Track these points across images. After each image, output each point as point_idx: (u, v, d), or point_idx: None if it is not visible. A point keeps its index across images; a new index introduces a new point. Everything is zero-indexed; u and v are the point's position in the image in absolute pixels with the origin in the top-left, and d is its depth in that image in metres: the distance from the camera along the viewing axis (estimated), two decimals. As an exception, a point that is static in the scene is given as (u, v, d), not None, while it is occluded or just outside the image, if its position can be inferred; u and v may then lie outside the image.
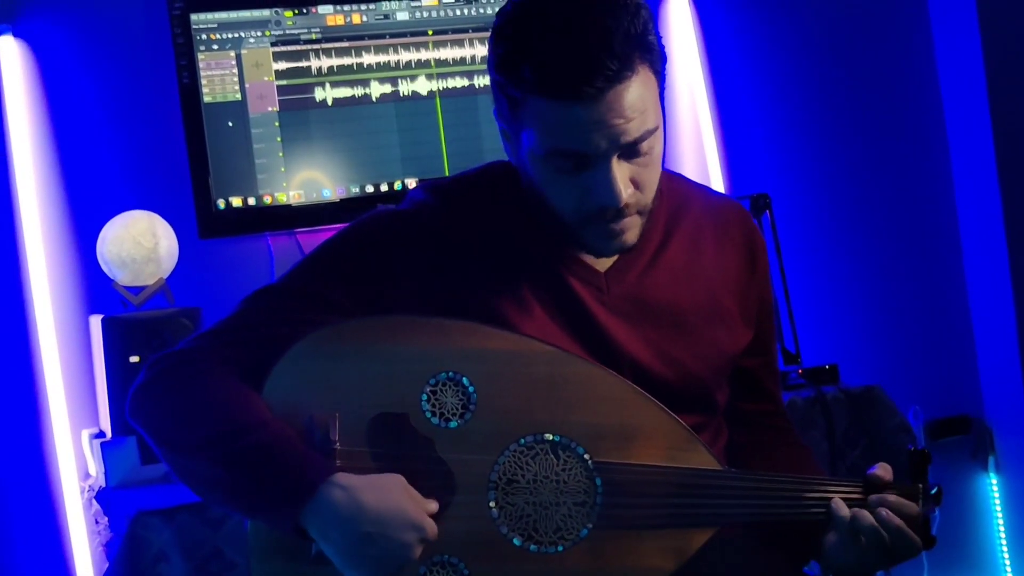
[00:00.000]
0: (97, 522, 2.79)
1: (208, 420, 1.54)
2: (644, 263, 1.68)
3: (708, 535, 1.59)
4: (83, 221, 3.04)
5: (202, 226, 3.03)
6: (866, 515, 1.56)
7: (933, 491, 1.62)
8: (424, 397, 1.56)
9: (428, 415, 1.56)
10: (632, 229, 1.58)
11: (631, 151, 1.51)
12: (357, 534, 1.48)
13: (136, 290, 2.85)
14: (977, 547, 3.70)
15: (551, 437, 1.57)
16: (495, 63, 1.53)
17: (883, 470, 1.61)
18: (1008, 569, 3.67)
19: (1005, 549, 3.68)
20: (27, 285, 2.98)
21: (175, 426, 1.57)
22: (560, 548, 1.57)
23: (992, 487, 3.69)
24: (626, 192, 1.52)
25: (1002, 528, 3.68)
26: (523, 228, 1.64)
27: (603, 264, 1.66)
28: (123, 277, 2.86)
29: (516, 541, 1.56)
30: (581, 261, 1.65)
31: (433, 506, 1.53)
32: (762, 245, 1.79)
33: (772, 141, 3.56)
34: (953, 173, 3.70)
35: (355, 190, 3.10)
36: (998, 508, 3.68)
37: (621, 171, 1.51)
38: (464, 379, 1.57)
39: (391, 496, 1.50)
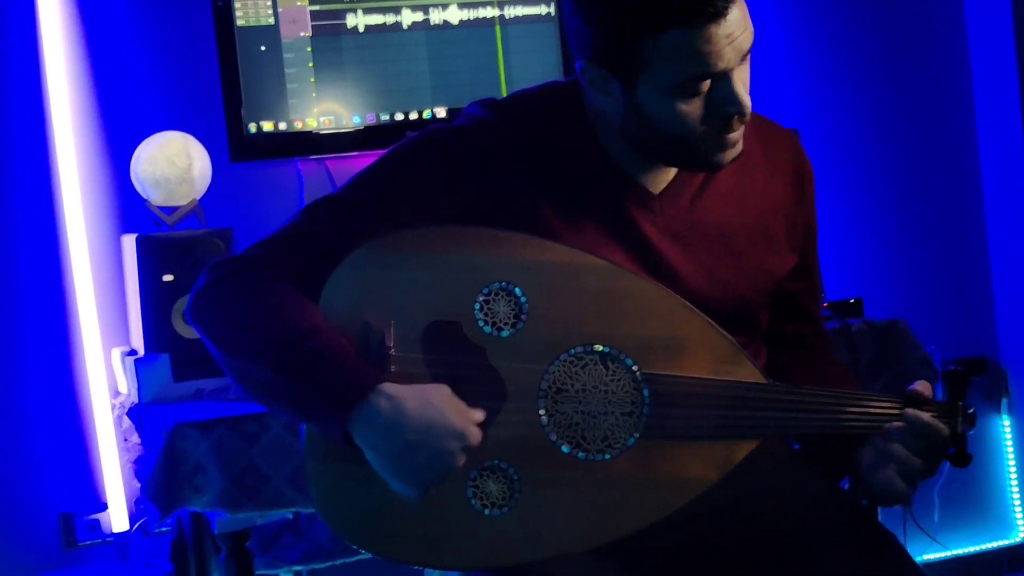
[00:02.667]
0: (126, 439, 2.83)
1: (264, 326, 1.58)
2: (696, 187, 1.71)
3: (751, 447, 1.63)
4: (117, 141, 3.05)
5: (233, 149, 3.04)
6: (914, 420, 1.60)
7: (970, 411, 1.66)
8: (477, 306, 1.59)
9: (481, 324, 1.59)
10: (742, 138, 1.61)
11: (742, 60, 1.56)
12: (401, 442, 1.52)
13: (169, 210, 2.87)
14: (988, 488, 3.74)
15: (600, 348, 1.60)
16: (607, 13, 1.54)
17: (922, 387, 1.64)
18: (1018, 509, 3.73)
19: (1016, 490, 3.73)
20: (60, 204, 3.00)
21: (232, 330, 1.60)
22: (607, 456, 1.60)
23: (1005, 429, 3.73)
24: (748, 98, 1.56)
25: (1013, 469, 3.73)
26: (580, 148, 1.67)
27: (657, 187, 1.69)
28: (157, 197, 2.88)
29: (564, 448, 1.60)
30: (636, 184, 1.68)
31: (478, 415, 1.56)
32: (810, 172, 1.81)
33: (798, 77, 3.57)
34: (976, 111, 3.70)
35: (384, 117, 3.11)
36: (1010, 450, 3.73)
37: (741, 79, 1.56)
38: (517, 289, 1.60)
39: (435, 405, 1.53)
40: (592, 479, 1.60)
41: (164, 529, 2.97)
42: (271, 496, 2.41)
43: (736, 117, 1.57)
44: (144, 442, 2.67)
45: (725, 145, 1.61)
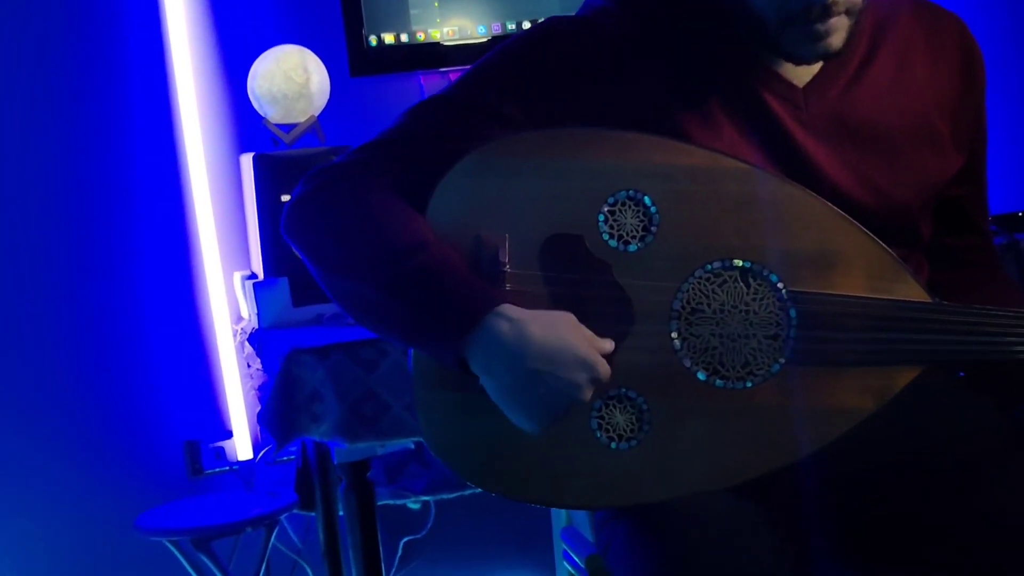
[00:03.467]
0: (249, 365, 2.75)
1: (366, 240, 1.43)
2: (847, 78, 1.51)
3: (913, 374, 1.44)
4: (233, 58, 2.96)
5: (353, 63, 2.93)
6: None
7: None
8: (602, 217, 1.43)
9: (606, 237, 1.43)
10: (839, 32, 1.41)
11: None
12: (523, 370, 1.36)
13: (287, 128, 2.77)
14: None
15: (741, 263, 1.43)
16: None
17: None
18: None
19: None
20: (178, 124, 2.92)
21: (331, 244, 1.46)
22: (748, 384, 1.43)
23: None
24: None
25: None
26: (713, 36, 1.48)
27: (802, 79, 1.49)
28: (274, 114, 2.78)
29: (700, 375, 1.43)
30: (777, 75, 1.49)
31: (608, 345, 1.40)
32: (981, 60, 1.59)
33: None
34: None
35: (511, 27, 2.95)
36: None
37: None
38: (646, 198, 1.43)
39: (561, 331, 1.38)
40: (731, 409, 1.43)
41: (289, 457, 2.90)
42: (391, 425, 2.29)
43: (816, 7, 1.38)
44: (265, 368, 2.58)
45: (814, 35, 1.41)
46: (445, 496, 2.97)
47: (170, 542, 2.71)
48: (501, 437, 1.43)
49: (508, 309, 1.38)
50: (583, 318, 1.41)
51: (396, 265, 1.40)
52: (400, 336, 1.44)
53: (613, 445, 1.43)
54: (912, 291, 1.44)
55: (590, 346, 1.38)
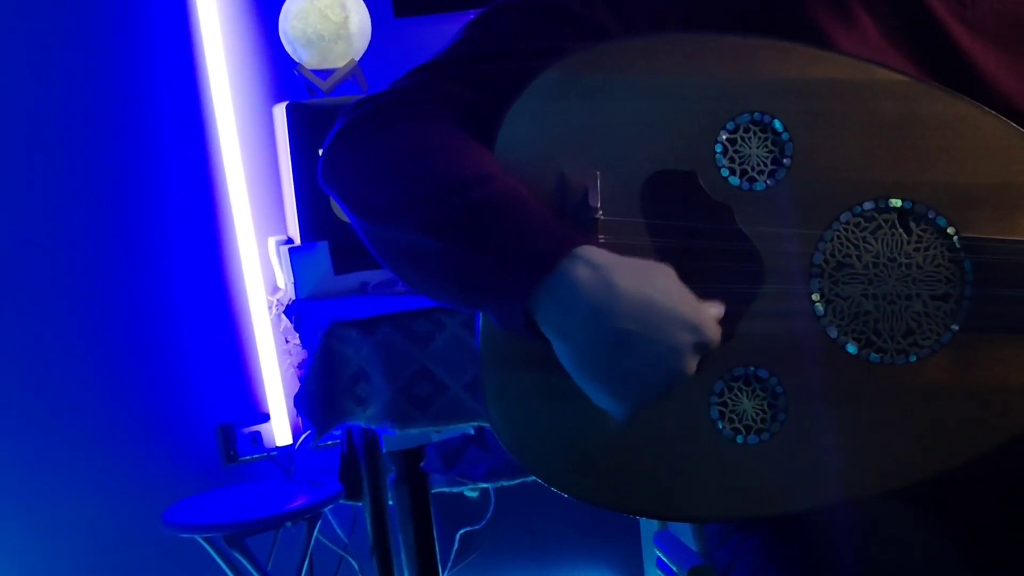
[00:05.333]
0: (287, 340, 2.48)
1: (414, 173, 1.13)
2: (1023, -35, 1.19)
3: None
4: (263, -2, 2.67)
5: (397, 2, 2.68)
6: None
7: None
8: (720, 148, 1.12)
9: (725, 173, 1.12)
10: None
11: None
12: (606, 331, 1.05)
13: (324, 74, 2.51)
14: None
15: (899, 203, 1.11)
16: None
17: None
18: None
19: None
20: (204, 73, 2.65)
21: (372, 184, 1.16)
22: (913, 358, 1.12)
23: None
24: None
25: None
26: None
27: None
28: (309, 58, 2.50)
29: (851, 348, 1.12)
30: None
31: (717, 308, 1.09)
32: None
33: None
34: None
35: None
36: None
37: None
38: (776, 122, 1.12)
39: (658, 283, 1.06)
40: (891, 391, 1.12)
41: (332, 442, 2.62)
42: (448, 408, 2.00)
43: None
44: (303, 344, 2.30)
45: None
46: (506, 483, 2.68)
47: (202, 538, 2.43)
48: (596, 432, 1.12)
49: (591, 252, 1.06)
50: (698, 277, 1.09)
51: (450, 200, 1.09)
52: (456, 293, 1.13)
53: (740, 439, 1.13)
54: (1124, 237, 1.11)
55: (694, 304, 1.07)
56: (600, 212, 1.11)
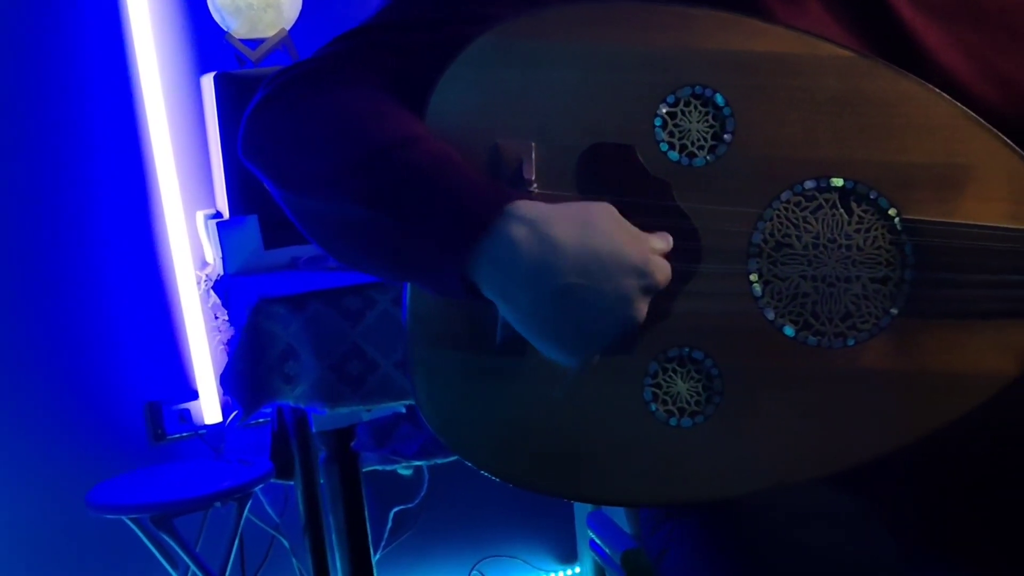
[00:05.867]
0: (216, 317, 2.42)
1: (340, 140, 1.08)
2: (965, -65, 1.16)
3: (1068, 328, 1.10)
4: (190, -37, 2.59)
5: (331, -29, 2.58)
6: None
7: None
8: (659, 122, 1.08)
9: (664, 147, 1.08)
10: None
11: None
12: (549, 289, 1.01)
13: (254, 43, 2.45)
14: None
15: (841, 182, 1.08)
16: None
17: None
18: None
19: None
20: (130, 42, 2.55)
21: (293, 154, 1.11)
22: (851, 341, 1.09)
23: None
24: None
25: None
26: None
27: None
28: (238, 27, 2.43)
29: (788, 330, 1.09)
30: None
31: (661, 242, 1.05)
32: None
33: None
34: None
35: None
36: None
37: None
38: (718, 96, 1.08)
39: (599, 227, 1.02)
40: (828, 375, 1.09)
41: (263, 420, 2.57)
42: (379, 387, 1.95)
43: None
44: (232, 321, 2.23)
45: None
46: (440, 461, 2.64)
47: (128, 519, 2.37)
48: (525, 413, 1.09)
49: (525, 207, 1.02)
50: None
51: (376, 165, 1.04)
52: (389, 264, 1.08)
53: (673, 422, 1.10)
54: (1067, 218, 1.09)
55: (639, 243, 1.03)
56: (535, 185, 1.07)
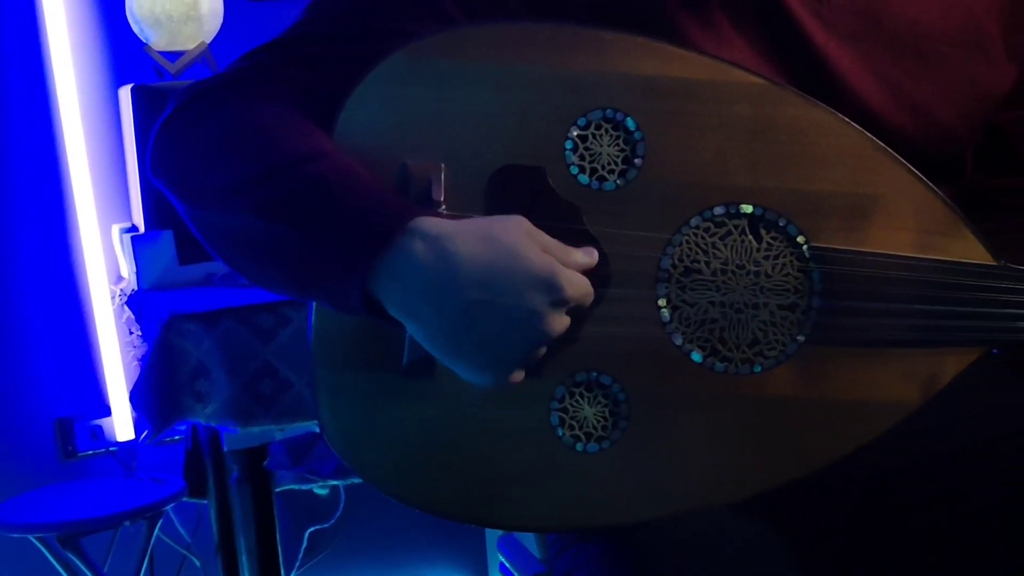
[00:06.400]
0: (131, 332, 2.38)
1: (244, 153, 1.06)
2: (878, -33, 1.17)
3: (969, 359, 1.11)
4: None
5: (254, -15, 2.56)
6: None
7: None
8: (570, 144, 1.08)
9: (575, 171, 1.08)
10: None
11: None
12: (452, 306, 0.99)
13: (173, 56, 2.41)
14: None
15: (750, 209, 1.08)
16: None
17: None
18: None
19: None
20: (47, 53, 2.51)
21: (196, 167, 1.09)
22: (757, 368, 1.09)
23: None
24: None
25: None
26: None
27: None
28: (157, 39, 2.40)
29: (696, 356, 1.09)
30: None
31: (584, 256, 1.04)
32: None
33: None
34: None
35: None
36: None
37: None
38: (629, 120, 1.08)
39: (506, 241, 1.00)
40: (735, 401, 1.09)
41: (177, 438, 2.53)
42: (293, 405, 1.93)
43: None
44: (145, 337, 2.20)
45: None
46: (357, 480, 2.61)
47: (34, 538, 2.31)
48: (431, 436, 1.08)
49: (428, 223, 1.00)
50: None
51: (279, 179, 1.03)
52: (292, 280, 1.06)
53: (580, 447, 1.09)
54: (972, 250, 1.10)
55: (546, 256, 1.01)
56: (444, 206, 1.06)
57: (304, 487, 2.63)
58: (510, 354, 1.01)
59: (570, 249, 1.04)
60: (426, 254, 0.99)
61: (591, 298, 1.03)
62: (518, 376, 1.03)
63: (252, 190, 1.04)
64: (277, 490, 2.49)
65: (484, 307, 0.99)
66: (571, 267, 1.03)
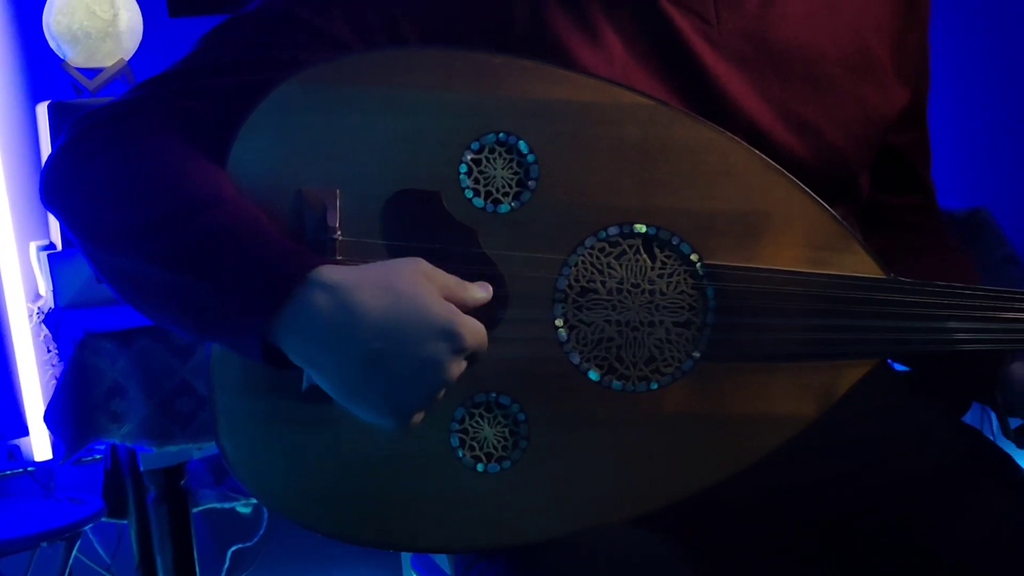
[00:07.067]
0: (48, 350, 2.36)
1: (135, 197, 1.06)
2: (767, -9, 1.19)
3: (863, 371, 1.13)
4: (26, -11, 2.54)
5: (172, 1, 2.54)
6: None
7: None
8: (464, 168, 1.08)
9: (469, 194, 1.09)
10: None
11: None
12: (354, 356, 1.00)
13: (92, 72, 2.39)
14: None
15: (644, 229, 1.10)
16: None
17: None
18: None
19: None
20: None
21: (91, 208, 1.09)
22: (654, 385, 1.11)
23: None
24: None
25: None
26: None
27: None
28: (75, 56, 2.38)
29: (593, 375, 1.10)
30: None
31: (480, 291, 1.05)
32: (923, -18, 1.29)
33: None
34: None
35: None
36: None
37: None
38: (521, 143, 1.09)
39: (403, 290, 1.01)
40: (633, 418, 1.11)
41: (96, 457, 2.51)
42: (210, 424, 1.90)
43: None
44: (61, 355, 2.18)
45: None
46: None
47: (-51, 560, 2.29)
48: (332, 461, 1.08)
49: (326, 273, 1.01)
50: None
51: (178, 227, 1.03)
52: (191, 326, 1.07)
53: (480, 467, 1.10)
54: (862, 264, 1.13)
55: (446, 304, 1.02)
56: (339, 232, 1.07)
57: (227, 505, 2.61)
58: (411, 401, 1.02)
59: (467, 285, 1.04)
60: (326, 305, 1.00)
61: (486, 345, 1.04)
62: (418, 418, 1.04)
63: (151, 238, 1.04)
64: (199, 508, 2.48)
65: (386, 357, 1.00)
66: (469, 304, 1.04)
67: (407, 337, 1.00)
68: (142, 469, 2.00)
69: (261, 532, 2.73)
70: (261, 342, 1.01)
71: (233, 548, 2.74)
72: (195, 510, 2.39)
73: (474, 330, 1.02)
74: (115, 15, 2.38)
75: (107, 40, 2.39)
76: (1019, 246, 2.81)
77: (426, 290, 1.02)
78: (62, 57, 2.40)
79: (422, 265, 1.03)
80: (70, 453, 1.87)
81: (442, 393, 1.03)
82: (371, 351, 1.00)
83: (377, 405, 1.02)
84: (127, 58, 2.42)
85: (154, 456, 1.96)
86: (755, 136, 1.16)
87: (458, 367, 1.02)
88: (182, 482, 2.01)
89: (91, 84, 2.39)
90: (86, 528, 2.38)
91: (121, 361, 1.89)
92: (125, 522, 2.44)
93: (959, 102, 3.23)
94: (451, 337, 1.01)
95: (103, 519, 2.40)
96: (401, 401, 1.02)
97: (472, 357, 1.03)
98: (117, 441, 1.92)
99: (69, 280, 2.21)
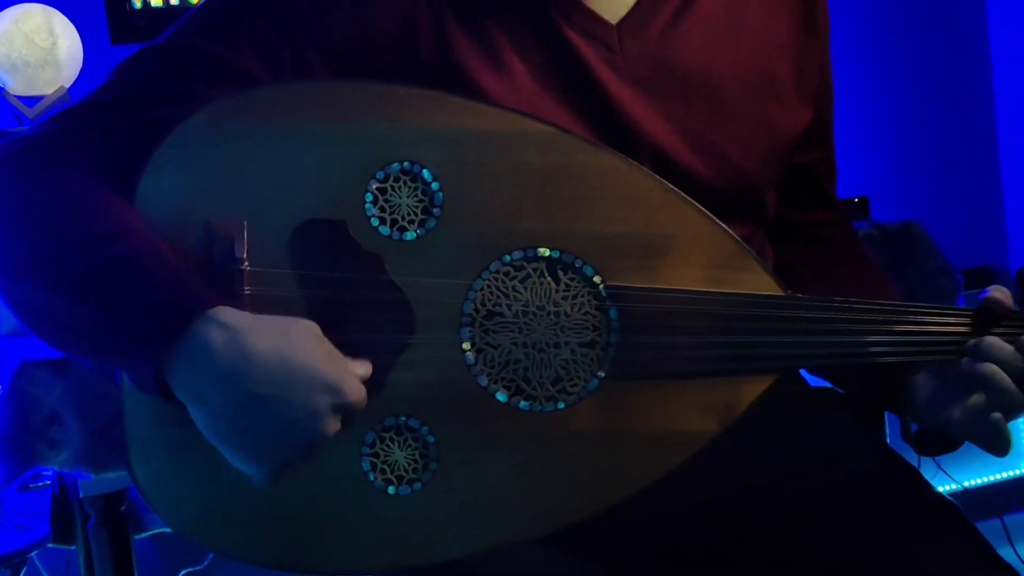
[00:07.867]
0: (-7, 378, 2.35)
1: (47, 228, 1.09)
2: (670, 15, 1.23)
3: (764, 386, 1.16)
4: (-36, 18, 2.53)
5: (114, 28, 2.57)
6: (993, 347, 1.13)
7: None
8: (369, 197, 1.11)
9: (375, 222, 1.11)
10: None
11: None
12: (240, 396, 1.04)
13: (32, 101, 2.39)
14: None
15: (547, 252, 1.13)
16: None
17: (1001, 293, 1.17)
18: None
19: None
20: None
21: (3, 234, 1.11)
22: (561, 405, 1.13)
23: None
24: None
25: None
26: None
27: (615, 12, 1.20)
28: (14, 84, 2.40)
29: (500, 396, 1.12)
30: (583, 8, 1.19)
31: (361, 367, 1.09)
32: (823, 2, 1.32)
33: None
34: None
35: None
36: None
37: None
38: (425, 171, 1.11)
39: (297, 343, 1.05)
40: (540, 438, 1.13)
41: (44, 484, 2.50)
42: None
43: None
44: (2, 384, 2.19)
45: None
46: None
47: None
48: (242, 487, 1.10)
49: (225, 313, 1.05)
50: (347, 328, 1.09)
51: (82, 258, 1.06)
52: (91, 355, 1.10)
53: (392, 490, 1.12)
54: (760, 282, 1.15)
55: (335, 362, 1.06)
56: (247, 263, 1.09)
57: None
58: (286, 451, 1.06)
59: (349, 359, 1.08)
60: (222, 343, 1.03)
61: (364, 404, 1.07)
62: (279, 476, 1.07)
63: (54, 268, 1.07)
64: (149, 533, 2.49)
65: (270, 402, 1.03)
66: (354, 374, 1.07)
67: (294, 385, 1.04)
68: (81, 496, 2.01)
69: (211, 556, 2.73)
70: (155, 373, 1.04)
71: (183, 572, 2.75)
72: (144, 535, 2.39)
73: (358, 391, 1.07)
74: (54, 43, 2.40)
75: (46, 68, 2.40)
76: (951, 258, 2.86)
77: (317, 347, 1.06)
78: (2, 86, 2.41)
79: (315, 327, 1.07)
80: (9, 481, 1.88)
81: (314, 451, 1.06)
82: (259, 395, 1.04)
83: (251, 448, 1.06)
84: (67, 85, 2.43)
85: (93, 482, 1.97)
86: (660, 158, 1.19)
87: (334, 425, 1.06)
88: (122, 508, 2.01)
89: (31, 112, 2.40)
90: (32, 555, 2.38)
91: (58, 389, 1.90)
92: (73, 548, 2.44)
93: (891, 118, 3.28)
94: (336, 392, 1.05)
95: (49, 545, 2.40)
96: (276, 448, 1.05)
97: (348, 416, 1.06)
98: (56, 468, 1.93)
99: (4, 309, 2.22)
